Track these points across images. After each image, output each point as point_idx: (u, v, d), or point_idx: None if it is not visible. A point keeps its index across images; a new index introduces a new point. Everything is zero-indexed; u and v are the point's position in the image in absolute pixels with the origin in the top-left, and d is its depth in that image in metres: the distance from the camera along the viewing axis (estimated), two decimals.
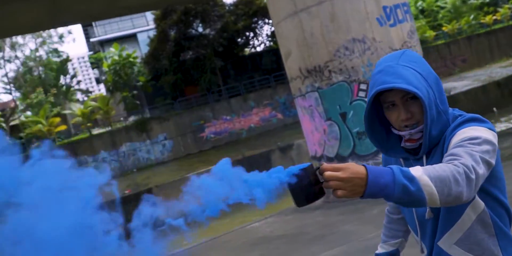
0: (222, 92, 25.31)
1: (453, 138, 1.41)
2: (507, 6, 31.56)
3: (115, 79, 25.93)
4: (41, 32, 33.39)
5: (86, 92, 38.32)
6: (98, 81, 33.53)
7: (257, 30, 27.14)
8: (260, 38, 27.75)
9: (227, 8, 25.90)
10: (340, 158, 7.51)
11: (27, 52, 34.39)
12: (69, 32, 33.36)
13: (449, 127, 1.48)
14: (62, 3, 17.88)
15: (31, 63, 33.89)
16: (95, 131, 26.15)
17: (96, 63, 30.28)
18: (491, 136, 1.40)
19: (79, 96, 40.00)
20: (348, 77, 7.24)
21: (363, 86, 7.20)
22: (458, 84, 22.45)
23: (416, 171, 1.22)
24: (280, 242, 6.35)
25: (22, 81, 32.93)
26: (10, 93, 33.81)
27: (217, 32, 25.82)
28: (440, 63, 26.44)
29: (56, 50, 34.66)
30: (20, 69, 33.91)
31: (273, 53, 25.59)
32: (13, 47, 33.43)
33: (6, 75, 33.38)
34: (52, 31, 33.95)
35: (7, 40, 32.86)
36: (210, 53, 25.29)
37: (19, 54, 33.90)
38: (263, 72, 26.40)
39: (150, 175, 21.19)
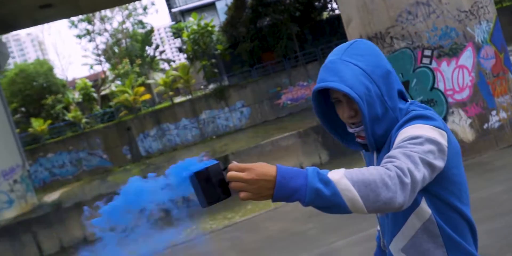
0: (299, 58, 25.00)
1: (396, 138, 1.30)
2: None
3: (194, 48, 26.49)
4: (127, 5, 34.73)
5: (169, 61, 39.68)
6: (180, 50, 34.52)
7: None
8: None
9: None
10: None
11: (115, 25, 36.08)
12: (152, 4, 34.36)
13: (397, 124, 1.37)
14: None
15: (118, 35, 35.54)
16: (177, 100, 27.12)
17: (177, 33, 31.10)
18: (437, 135, 1.27)
19: (164, 65, 41.53)
20: (411, 43, 6.82)
21: (427, 52, 6.76)
22: None
23: (336, 174, 1.12)
24: (336, 216, 6.30)
25: (110, 53, 34.74)
26: (101, 64, 35.85)
27: None
28: None
29: (141, 22, 35.99)
30: (109, 41, 35.71)
31: None
32: (102, 20, 35.14)
33: (97, 47, 35.35)
34: (137, 3, 35.19)
35: (97, 14, 34.57)
36: (287, 18, 24.90)
37: (107, 27, 35.64)
38: (341, 36, 25.58)
39: (228, 142, 21.75)
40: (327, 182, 1.10)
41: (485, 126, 6.78)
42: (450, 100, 6.78)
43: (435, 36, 6.68)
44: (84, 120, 25.81)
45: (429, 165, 1.20)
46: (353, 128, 1.42)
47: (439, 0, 6.61)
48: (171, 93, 26.51)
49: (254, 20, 25.54)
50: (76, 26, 34.18)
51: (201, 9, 30.95)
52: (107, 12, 35.27)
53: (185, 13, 31.67)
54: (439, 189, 1.32)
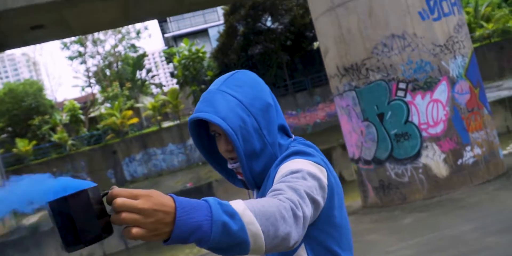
0: (288, 86, 25.11)
1: (276, 174, 1.20)
2: None
3: (185, 74, 26.57)
4: (121, 28, 34.98)
5: (160, 86, 39.79)
6: (173, 75, 34.69)
7: None
8: None
9: (295, 1, 25.55)
10: (377, 162, 7.10)
11: (107, 48, 36.28)
12: (146, 28, 34.67)
13: (276, 160, 1.27)
14: (134, 0, 18.61)
15: (110, 58, 35.64)
16: (165, 124, 26.99)
17: (169, 58, 31.25)
18: (316, 170, 1.17)
19: (157, 90, 41.56)
20: (386, 75, 6.79)
21: (402, 85, 6.72)
22: None
23: (238, 205, 0.93)
24: None
25: (101, 75, 34.75)
26: (91, 87, 35.82)
27: (285, 26, 25.59)
28: None
29: (133, 46, 36.18)
30: (101, 64, 35.79)
31: None
32: (95, 43, 35.29)
33: (87, 69, 35.37)
34: (130, 27, 35.48)
35: (90, 37, 34.76)
36: (278, 47, 25.14)
37: (100, 49, 35.76)
38: None
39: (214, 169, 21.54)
40: (233, 214, 0.90)
41: (459, 161, 6.69)
42: (424, 134, 6.71)
43: (410, 69, 6.66)
44: (70, 142, 25.55)
45: (313, 200, 1.08)
46: (231, 164, 1.32)
47: (414, 34, 6.62)
48: (159, 117, 26.40)
49: (245, 48, 25.75)
50: (68, 48, 34.26)
51: (193, 35, 31.23)
52: (100, 35, 35.47)
53: (177, 38, 31.93)
54: (319, 232, 1.21)
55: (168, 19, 32.32)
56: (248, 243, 0.91)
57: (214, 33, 30.81)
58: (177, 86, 28.91)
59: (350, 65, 7.07)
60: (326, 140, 21.09)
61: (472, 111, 6.80)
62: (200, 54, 26.10)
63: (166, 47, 35.24)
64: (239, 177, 1.34)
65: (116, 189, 0.84)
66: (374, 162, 7.14)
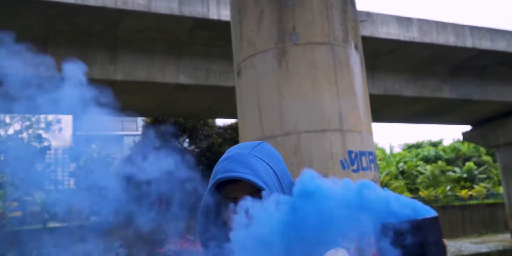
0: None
1: None
2: (482, 184, 32.46)
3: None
4: (30, 116, 33.67)
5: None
6: (72, 174, 32.92)
7: None
8: None
9: (216, 130, 26.53)
10: None
11: (11, 132, 34.33)
12: (58, 122, 33.61)
13: None
14: None
15: (9, 143, 33.51)
16: (51, 224, 24.72)
17: (73, 157, 29.97)
18: None
19: None
20: None
21: None
22: None
23: None
24: None
25: None
26: None
27: (201, 150, 26.04)
28: None
29: (39, 136, 34.59)
30: None
31: None
32: None
33: None
34: (42, 117, 34.27)
35: None
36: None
37: (1, 132, 33.72)
38: None
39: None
40: None
41: None
42: None
43: None
44: None
45: None
46: None
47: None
48: (46, 215, 24.23)
49: None
50: None
51: (108, 139, 30.73)
52: (6, 118, 33.75)
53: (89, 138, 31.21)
54: None
55: None
56: None
57: (128, 142, 30.52)
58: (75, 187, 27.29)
59: None
60: None
61: None
62: (109, 160, 25.39)
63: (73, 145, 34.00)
64: None
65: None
66: None
